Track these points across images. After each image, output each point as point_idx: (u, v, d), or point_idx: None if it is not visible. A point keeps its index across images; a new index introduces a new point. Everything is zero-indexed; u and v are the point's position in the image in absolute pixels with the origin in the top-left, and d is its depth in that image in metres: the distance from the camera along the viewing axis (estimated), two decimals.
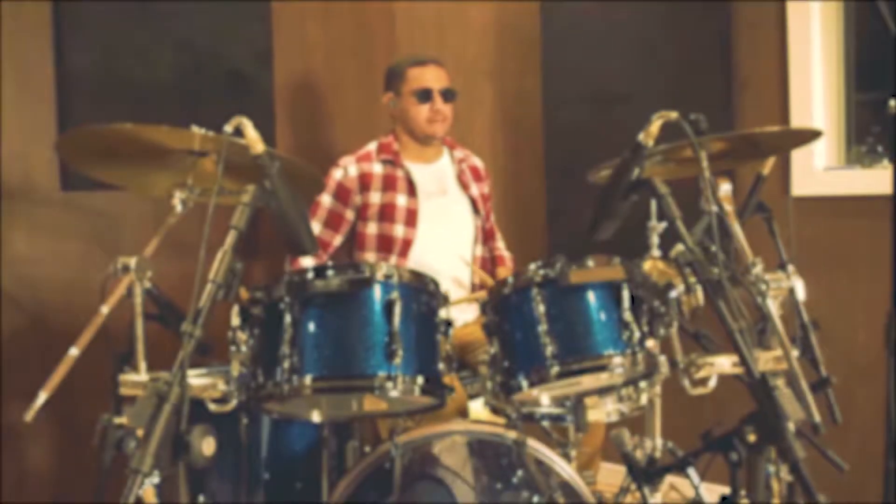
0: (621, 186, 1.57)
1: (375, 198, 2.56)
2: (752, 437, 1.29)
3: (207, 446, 1.20)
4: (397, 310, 1.63)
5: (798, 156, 2.70)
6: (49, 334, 2.38)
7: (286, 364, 1.59)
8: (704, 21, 2.87)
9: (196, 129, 1.68)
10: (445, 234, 2.64)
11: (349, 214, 2.58)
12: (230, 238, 1.38)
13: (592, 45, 3.12)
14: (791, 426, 1.26)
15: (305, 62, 3.07)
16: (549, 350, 1.66)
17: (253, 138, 1.49)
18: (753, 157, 2.21)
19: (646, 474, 2.05)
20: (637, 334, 1.68)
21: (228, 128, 1.46)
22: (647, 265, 2.30)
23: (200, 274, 1.30)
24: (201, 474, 2.04)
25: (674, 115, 1.51)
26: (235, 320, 1.68)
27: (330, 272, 1.64)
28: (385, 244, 2.56)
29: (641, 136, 1.55)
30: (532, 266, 1.75)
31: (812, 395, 1.98)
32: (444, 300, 1.82)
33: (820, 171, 2.73)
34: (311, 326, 1.63)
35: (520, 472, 1.82)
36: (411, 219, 2.56)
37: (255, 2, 2.88)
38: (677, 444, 2.33)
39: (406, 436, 1.84)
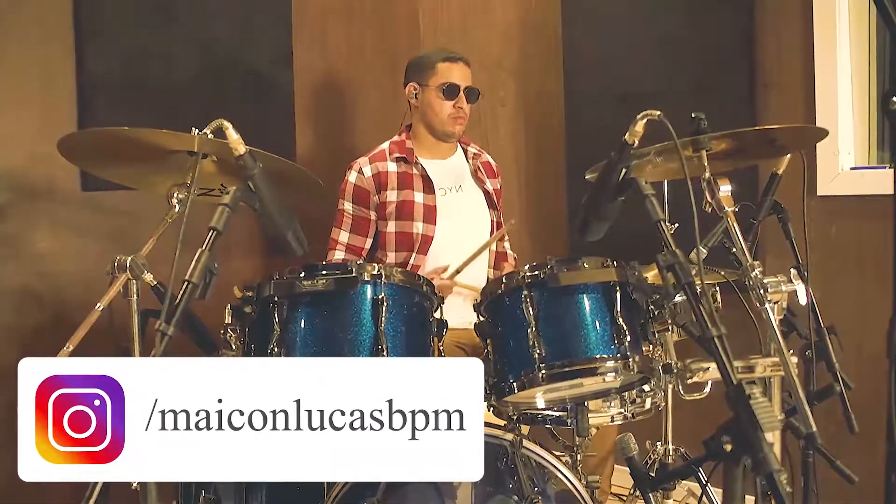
0: (609, 187, 1.53)
1: (392, 196, 2.56)
2: (728, 447, 1.25)
3: None
4: (384, 309, 1.63)
5: (824, 155, 2.62)
6: (70, 329, 2.43)
7: None
8: (728, 19, 2.81)
9: (195, 132, 1.70)
10: (463, 229, 2.62)
11: (372, 215, 2.58)
12: (208, 238, 1.39)
13: (614, 43, 3.08)
14: (770, 436, 1.22)
15: (326, 63, 3.10)
16: (538, 352, 1.65)
17: (234, 140, 1.51)
18: (766, 156, 2.15)
19: (649, 480, 2.01)
20: (629, 338, 1.65)
21: (208, 130, 1.48)
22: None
23: (175, 273, 1.32)
24: None
25: (656, 113, 1.48)
26: (228, 318, 1.72)
27: (318, 272, 1.65)
28: (404, 242, 2.56)
29: (627, 136, 1.51)
30: (525, 267, 1.74)
31: (818, 403, 1.93)
32: (439, 301, 1.82)
33: (847, 170, 2.64)
34: (300, 325, 1.65)
35: (515, 477, 1.80)
36: (430, 215, 2.56)
37: (276, 2, 2.91)
38: (694, 449, 2.28)
39: None
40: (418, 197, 2.57)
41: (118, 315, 1.81)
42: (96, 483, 1.16)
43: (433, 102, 2.58)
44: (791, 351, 1.70)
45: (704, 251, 2.25)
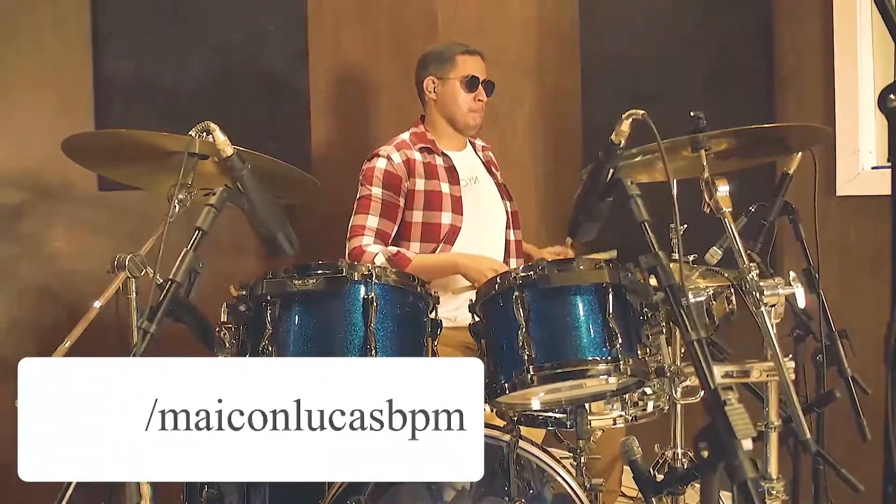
0: (597, 188, 1.52)
1: (420, 185, 2.53)
2: (705, 453, 1.23)
3: None
4: (374, 309, 1.64)
5: (843, 154, 2.55)
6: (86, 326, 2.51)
7: None
8: (745, 14, 2.76)
9: (192, 134, 1.72)
10: (484, 220, 2.62)
11: (401, 202, 2.53)
12: (194, 238, 1.41)
13: (631, 40, 3.05)
14: (747, 443, 1.19)
15: (341, 62, 3.11)
16: (528, 354, 1.64)
17: (221, 141, 1.53)
18: (776, 154, 2.11)
19: (652, 484, 1.98)
20: (620, 340, 1.63)
21: (193, 132, 1.50)
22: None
23: (157, 271, 1.34)
24: None
25: (640, 112, 1.46)
26: (224, 317, 1.74)
27: (310, 271, 1.66)
28: (431, 232, 2.53)
29: (613, 136, 1.50)
30: (518, 268, 1.73)
31: (819, 409, 1.89)
32: (435, 302, 1.82)
33: (867, 170, 2.57)
34: (291, 324, 1.66)
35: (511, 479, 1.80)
36: (457, 206, 2.55)
37: (290, 2, 2.93)
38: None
39: None
40: (444, 187, 2.56)
41: (126, 313, 1.85)
42: (70, 483, 1.17)
43: (455, 95, 2.59)
44: (790, 355, 1.66)
45: (720, 252, 2.23)
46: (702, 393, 1.83)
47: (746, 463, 1.17)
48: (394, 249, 2.46)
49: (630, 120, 1.49)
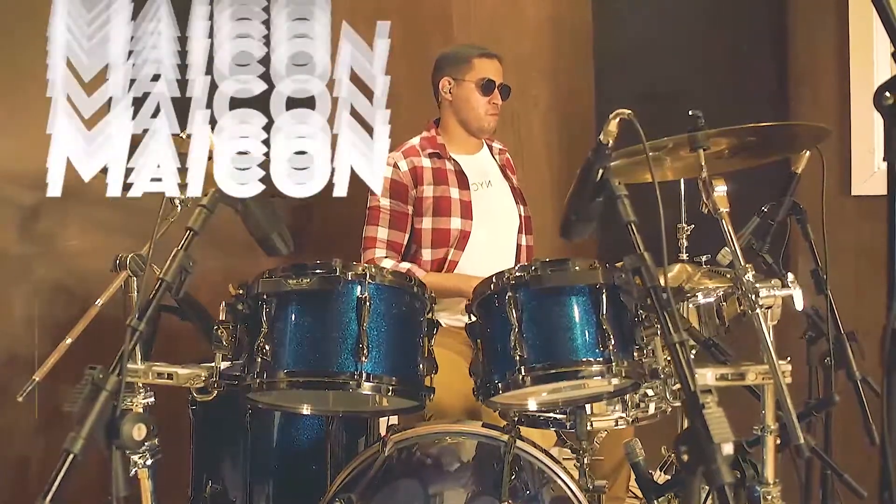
0: (588, 188, 1.51)
1: (428, 191, 2.55)
2: (685, 457, 1.21)
3: (138, 432, 1.27)
4: (367, 309, 1.65)
5: (859, 153, 2.51)
6: (97, 322, 2.54)
7: (261, 358, 1.65)
8: (760, 12, 2.73)
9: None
10: (495, 225, 2.62)
11: (409, 210, 2.56)
12: (185, 238, 1.44)
13: (645, 40, 3.03)
14: (728, 448, 1.17)
15: None
16: (519, 354, 1.63)
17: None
18: (782, 153, 2.08)
19: (653, 486, 1.97)
20: (613, 341, 1.62)
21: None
22: (676, 269, 2.22)
23: (148, 271, 1.36)
24: (211, 462, 2.15)
25: (627, 112, 1.45)
26: (222, 315, 1.76)
27: (305, 270, 1.68)
28: (441, 238, 2.54)
29: (601, 136, 1.49)
30: (514, 268, 1.73)
31: (818, 413, 1.86)
32: (432, 302, 1.82)
33: (883, 169, 2.52)
34: (286, 323, 1.68)
35: (510, 479, 1.79)
36: (466, 211, 2.56)
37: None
38: None
39: (399, 434, 1.86)
40: (454, 193, 2.57)
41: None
42: (57, 476, 1.20)
43: (470, 97, 2.59)
44: (788, 358, 1.64)
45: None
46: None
47: (724, 467, 1.15)
48: (405, 266, 2.48)
49: (617, 119, 1.48)
